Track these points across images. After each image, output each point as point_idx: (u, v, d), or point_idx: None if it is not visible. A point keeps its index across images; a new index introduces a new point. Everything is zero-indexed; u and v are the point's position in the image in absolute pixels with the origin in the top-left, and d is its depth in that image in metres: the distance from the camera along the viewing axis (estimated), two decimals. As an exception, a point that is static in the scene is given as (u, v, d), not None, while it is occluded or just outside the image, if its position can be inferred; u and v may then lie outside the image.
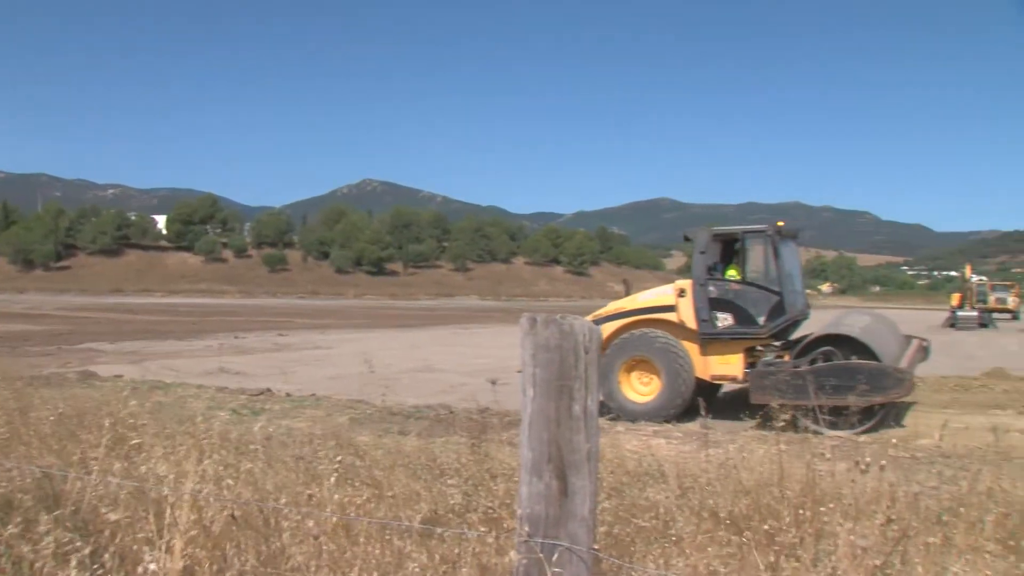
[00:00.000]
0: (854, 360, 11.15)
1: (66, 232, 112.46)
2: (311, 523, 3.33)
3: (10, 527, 3.13)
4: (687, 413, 12.01)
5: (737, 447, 6.74)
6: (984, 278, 66.64)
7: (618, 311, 13.07)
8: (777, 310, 12.21)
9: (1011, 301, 51.77)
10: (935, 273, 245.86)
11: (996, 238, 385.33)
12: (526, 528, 2.37)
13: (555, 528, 2.35)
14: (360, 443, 6.68)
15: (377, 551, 3.25)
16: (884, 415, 10.99)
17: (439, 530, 3.43)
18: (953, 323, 40.64)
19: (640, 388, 12.54)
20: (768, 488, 4.19)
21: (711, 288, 12.38)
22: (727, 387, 13.75)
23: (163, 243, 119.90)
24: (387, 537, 3.39)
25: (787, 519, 3.59)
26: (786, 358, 11.98)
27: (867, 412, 10.38)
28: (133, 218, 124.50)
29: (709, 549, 3.44)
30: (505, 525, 3.54)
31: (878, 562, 2.95)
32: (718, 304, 12.32)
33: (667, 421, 11.80)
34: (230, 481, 4.05)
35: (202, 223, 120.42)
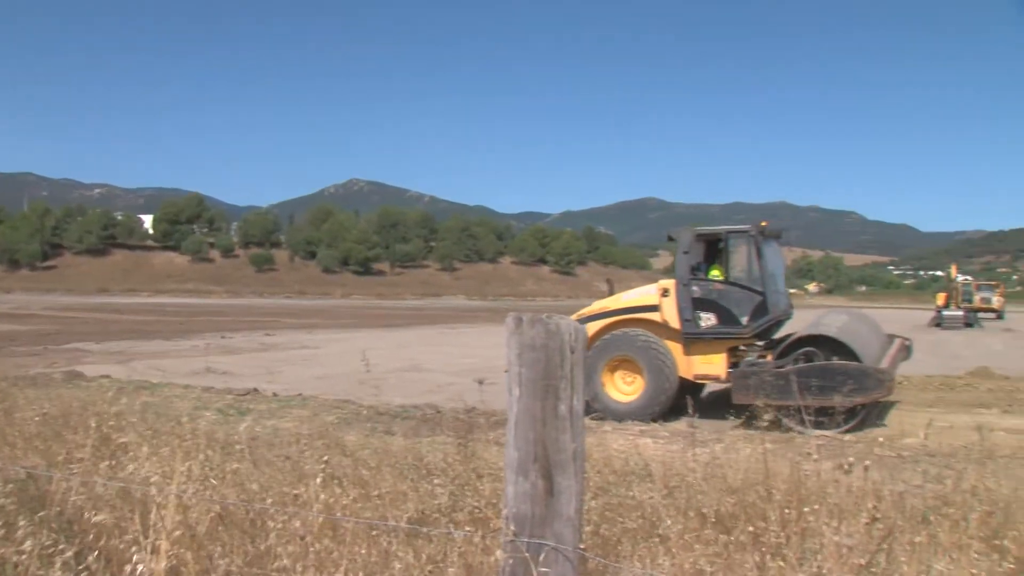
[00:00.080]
0: (835, 360, 11.22)
1: (52, 232, 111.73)
2: (297, 523, 3.33)
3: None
4: (673, 412, 12.04)
5: (723, 447, 6.78)
6: (969, 278, 67.22)
7: (602, 311, 13.09)
8: (760, 310, 12.24)
9: (996, 301, 52.23)
10: (921, 273, 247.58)
11: (981, 238, 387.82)
12: (512, 528, 2.37)
13: (541, 528, 2.35)
14: (347, 443, 6.66)
15: (364, 551, 3.25)
16: (867, 414, 11.07)
17: (426, 530, 3.43)
18: (939, 322, 40.89)
19: (623, 387, 12.59)
20: (754, 487, 4.21)
21: (694, 288, 12.42)
22: (712, 387, 13.80)
23: (150, 243, 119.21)
24: (374, 537, 3.38)
25: (773, 518, 3.60)
26: (769, 358, 12.05)
27: (850, 412, 10.49)
28: (120, 218, 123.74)
29: (695, 548, 3.45)
30: (492, 525, 3.54)
31: (863, 561, 2.96)
32: (701, 304, 12.35)
33: (652, 420, 11.84)
34: (216, 481, 4.04)
35: (189, 223, 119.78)
